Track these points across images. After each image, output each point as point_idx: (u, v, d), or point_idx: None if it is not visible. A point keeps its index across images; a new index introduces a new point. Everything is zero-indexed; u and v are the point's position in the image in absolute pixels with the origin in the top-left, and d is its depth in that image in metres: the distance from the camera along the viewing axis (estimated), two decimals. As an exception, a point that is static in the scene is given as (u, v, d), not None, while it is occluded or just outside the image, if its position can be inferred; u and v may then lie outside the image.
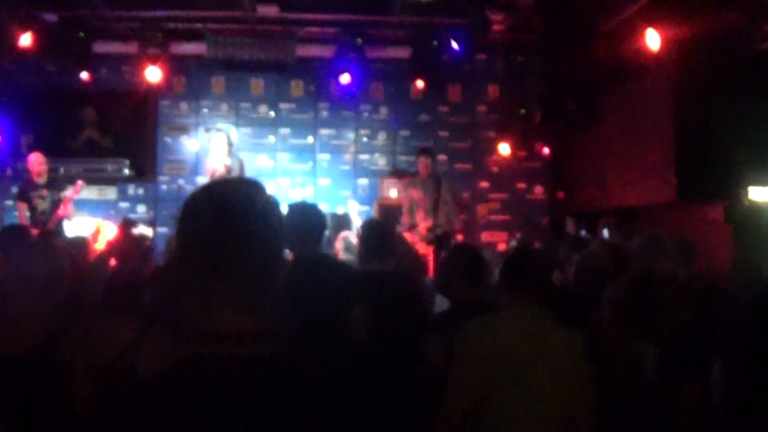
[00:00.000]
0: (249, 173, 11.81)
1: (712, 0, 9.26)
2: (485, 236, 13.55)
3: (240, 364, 1.85)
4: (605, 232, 9.78)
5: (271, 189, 12.07)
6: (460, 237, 11.51)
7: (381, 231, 5.69)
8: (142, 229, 10.22)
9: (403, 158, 13.79)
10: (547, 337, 3.79)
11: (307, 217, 4.99)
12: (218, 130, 11.66)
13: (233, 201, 2.00)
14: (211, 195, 2.04)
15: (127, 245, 8.10)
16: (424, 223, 11.03)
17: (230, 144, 11.17)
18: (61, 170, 12.88)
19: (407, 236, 10.00)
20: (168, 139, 13.89)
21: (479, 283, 4.91)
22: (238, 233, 1.96)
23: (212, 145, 11.22)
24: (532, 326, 3.82)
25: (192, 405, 1.79)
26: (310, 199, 12.42)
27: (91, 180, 12.83)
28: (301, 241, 4.83)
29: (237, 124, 13.87)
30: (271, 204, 2.07)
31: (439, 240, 10.75)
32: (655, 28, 9.88)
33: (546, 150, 13.92)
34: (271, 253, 2.03)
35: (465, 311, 4.40)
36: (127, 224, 9.98)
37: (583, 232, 11.24)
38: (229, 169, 10.63)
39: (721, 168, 9.78)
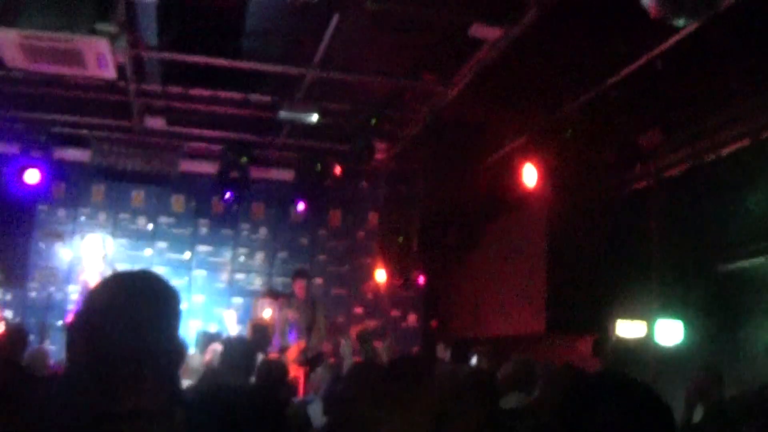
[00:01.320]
0: None
1: (588, 140, 9.67)
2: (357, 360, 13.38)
3: None
4: (474, 360, 9.79)
5: None
6: (332, 360, 11.33)
7: (245, 348, 5.89)
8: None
9: (280, 279, 13.90)
10: None
11: None
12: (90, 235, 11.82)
13: (142, 289, 2.14)
14: (120, 284, 2.16)
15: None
16: (296, 345, 11.10)
17: (104, 250, 11.21)
18: None
19: (276, 357, 10.25)
20: (42, 245, 13.68)
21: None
22: (149, 319, 2.08)
23: (85, 250, 11.21)
24: None
25: None
26: (184, 316, 12.60)
27: None
28: None
29: (114, 235, 13.73)
30: (174, 291, 2.20)
31: (310, 362, 10.74)
32: (533, 163, 10.26)
33: (422, 278, 14.10)
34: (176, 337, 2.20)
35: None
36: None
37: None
38: (104, 270, 10.49)
39: (591, 301, 10.05)
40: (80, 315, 2.17)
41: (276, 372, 6.90)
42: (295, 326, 11.30)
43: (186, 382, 6.11)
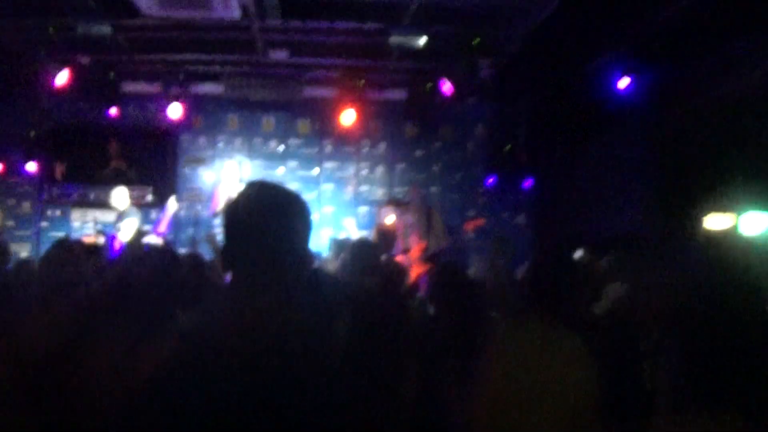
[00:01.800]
0: None
1: (686, 47, 9.60)
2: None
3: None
4: (579, 253, 10.02)
5: None
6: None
7: (370, 250, 5.84)
8: (151, 239, 10.73)
9: (399, 189, 14.46)
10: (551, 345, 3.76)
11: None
12: (230, 160, 12.51)
13: (279, 199, 2.48)
14: (259, 192, 2.49)
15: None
16: (417, 246, 11.57)
17: (240, 173, 11.90)
18: (91, 196, 13.81)
19: (402, 258, 10.54)
20: (186, 170, 14.58)
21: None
22: (287, 225, 2.41)
23: (225, 174, 11.91)
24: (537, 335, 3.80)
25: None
26: (315, 225, 13.50)
27: None
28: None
29: (250, 157, 14.54)
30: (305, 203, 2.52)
31: (432, 260, 11.07)
32: (631, 72, 10.55)
33: (529, 182, 14.42)
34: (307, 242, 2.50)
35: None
36: (140, 233, 10.88)
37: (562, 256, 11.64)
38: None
39: (688, 201, 10.08)
40: (229, 223, 2.46)
41: (397, 271, 6.88)
42: (414, 229, 11.74)
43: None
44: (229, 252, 2.47)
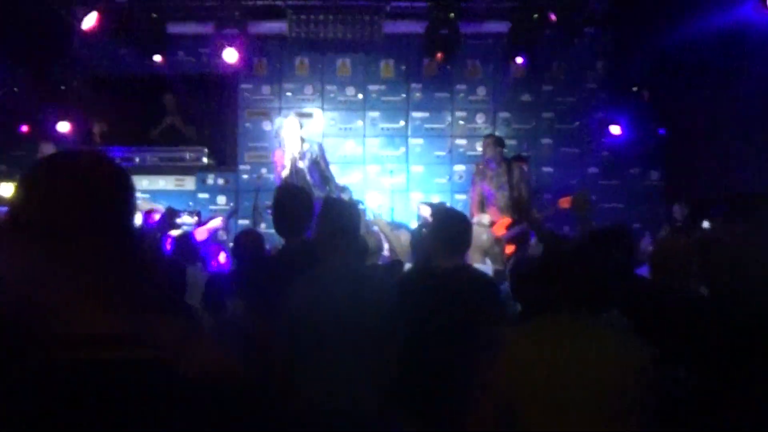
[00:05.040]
0: (335, 160, 11.13)
1: None
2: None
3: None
4: (705, 224, 9.42)
5: (357, 177, 12.58)
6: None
7: (461, 221, 4.82)
8: (186, 219, 9.64)
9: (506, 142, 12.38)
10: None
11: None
12: (288, 116, 10.62)
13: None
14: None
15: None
16: (502, 220, 10.02)
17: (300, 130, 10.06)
18: (137, 160, 12.33)
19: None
20: (249, 125, 13.21)
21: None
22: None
23: (284, 132, 10.09)
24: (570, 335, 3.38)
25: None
26: (403, 187, 12.35)
27: (169, 170, 12.49)
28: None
29: (323, 108, 13.19)
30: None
31: (515, 240, 9.54)
32: None
33: (662, 131, 12.73)
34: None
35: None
36: (171, 213, 9.34)
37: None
38: (301, 157, 9.35)
39: None
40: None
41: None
42: (492, 199, 10.35)
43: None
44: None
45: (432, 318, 4.10)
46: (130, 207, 1.85)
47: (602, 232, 4.98)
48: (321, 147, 9.66)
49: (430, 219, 7.66)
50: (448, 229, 4.60)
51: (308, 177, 9.04)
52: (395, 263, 6.21)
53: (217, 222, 9.75)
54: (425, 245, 5.25)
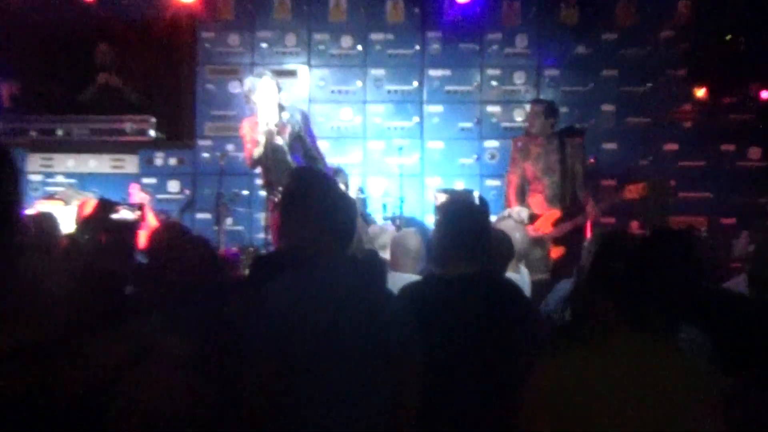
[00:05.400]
0: (325, 134, 10.22)
1: None
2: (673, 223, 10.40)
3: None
4: None
5: (356, 157, 11.07)
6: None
7: (471, 216, 4.60)
8: (124, 214, 7.57)
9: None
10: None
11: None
12: (262, 75, 9.10)
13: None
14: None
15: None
16: (547, 215, 8.83)
17: (278, 95, 8.87)
18: (59, 132, 10.89)
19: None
20: (211, 87, 11.28)
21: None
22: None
23: (257, 97, 8.73)
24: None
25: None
26: (416, 170, 11.18)
27: (103, 146, 10.98)
28: None
29: (309, 65, 11.28)
30: None
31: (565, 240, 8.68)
32: None
33: (765, 93, 11.06)
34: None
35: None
36: (106, 206, 7.22)
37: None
38: (280, 130, 8.28)
39: None
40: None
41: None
42: (537, 184, 9.00)
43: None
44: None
45: (450, 337, 3.90)
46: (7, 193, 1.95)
47: (660, 236, 4.56)
48: (305, 116, 8.89)
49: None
50: (453, 228, 4.42)
51: (289, 157, 8.18)
52: (371, 254, 5.19)
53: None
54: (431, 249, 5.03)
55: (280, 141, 8.23)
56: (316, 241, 3.74)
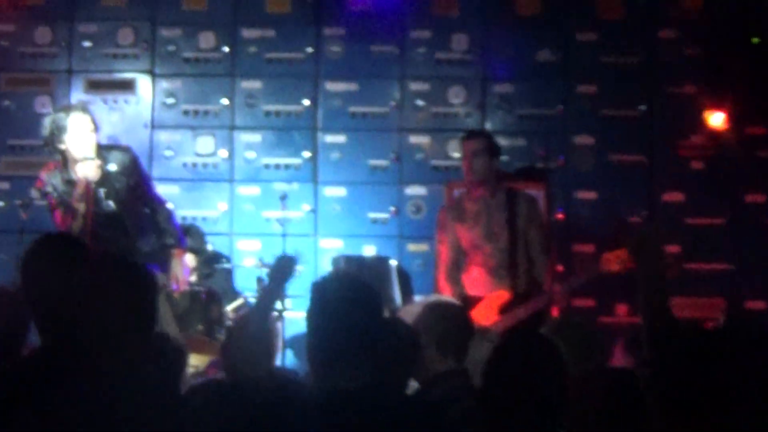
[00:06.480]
0: (172, 175, 8.50)
1: None
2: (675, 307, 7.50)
3: None
4: None
5: (219, 207, 8.99)
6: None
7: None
8: None
9: (504, 143, 8.49)
10: None
11: None
12: (70, 108, 7.30)
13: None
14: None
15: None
16: (492, 296, 7.35)
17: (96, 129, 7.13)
18: None
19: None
20: (9, 104, 8.90)
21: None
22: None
23: (70, 138, 6.90)
24: None
25: None
26: (307, 228, 8.99)
27: None
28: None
29: (153, 72, 8.86)
30: None
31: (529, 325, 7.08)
32: None
33: None
34: None
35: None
36: None
37: None
38: (102, 181, 6.66)
39: None
40: None
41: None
42: (477, 251, 7.52)
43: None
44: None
45: None
46: None
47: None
48: (135, 158, 7.19)
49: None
50: (328, 319, 3.79)
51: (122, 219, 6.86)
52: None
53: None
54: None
55: (104, 195, 6.64)
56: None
